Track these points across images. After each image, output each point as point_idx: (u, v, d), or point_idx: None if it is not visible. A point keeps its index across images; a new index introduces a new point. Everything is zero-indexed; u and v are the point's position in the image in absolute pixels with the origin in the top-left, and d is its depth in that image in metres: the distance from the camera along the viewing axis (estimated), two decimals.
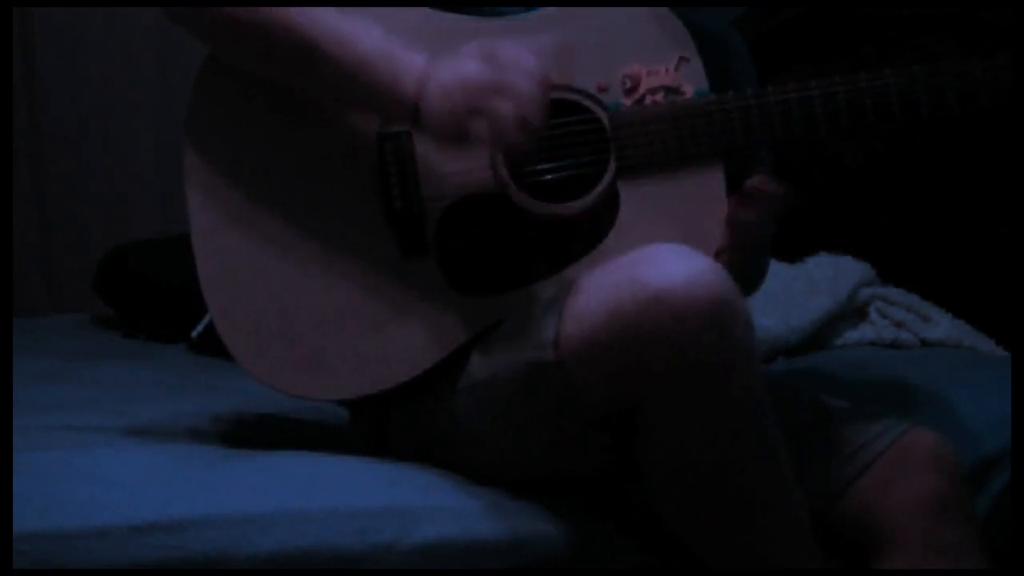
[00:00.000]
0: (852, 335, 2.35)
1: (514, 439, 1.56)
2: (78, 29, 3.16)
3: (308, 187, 1.63)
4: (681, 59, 1.62)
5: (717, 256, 1.58)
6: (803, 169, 2.36)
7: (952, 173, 2.54)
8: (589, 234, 1.60)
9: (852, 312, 2.39)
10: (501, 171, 1.61)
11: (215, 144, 1.64)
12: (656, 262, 1.44)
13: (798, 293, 2.37)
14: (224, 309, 1.62)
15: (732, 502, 1.48)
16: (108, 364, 2.32)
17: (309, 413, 1.90)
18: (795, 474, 1.51)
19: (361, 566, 1.47)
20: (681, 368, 1.42)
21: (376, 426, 1.69)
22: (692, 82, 1.61)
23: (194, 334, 2.47)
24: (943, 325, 2.36)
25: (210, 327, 1.64)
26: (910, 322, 2.36)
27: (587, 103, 1.61)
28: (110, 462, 1.53)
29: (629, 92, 1.61)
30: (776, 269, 2.00)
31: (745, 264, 1.64)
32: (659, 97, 1.61)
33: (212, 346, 2.09)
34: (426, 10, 1.63)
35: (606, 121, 1.61)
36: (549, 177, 1.62)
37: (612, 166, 1.61)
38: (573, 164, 1.62)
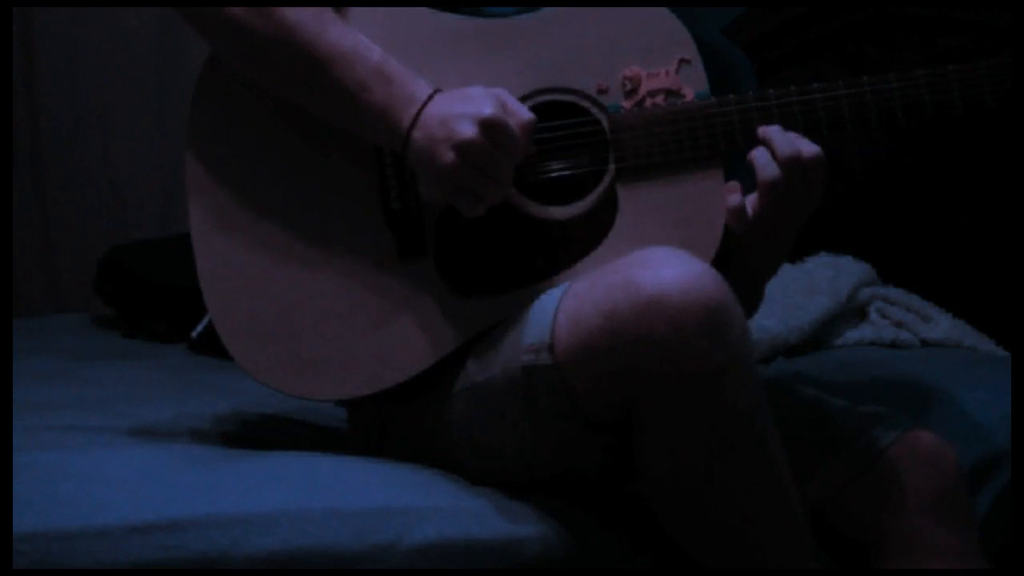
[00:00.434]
0: (852, 335, 2.35)
1: (512, 441, 1.56)
2: (78, 29, 3.16)
3: (306, 188, 1.63)
4: (682, 61, 1.61)
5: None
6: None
7: (952, 173, 2.54)
8: (587, 237, 1.60)
9: (852, 312, 2.39)
10: None
11: (215, 145, 1.64)
12: (652, 266, 1.44)
13: (798, 293, 2.37)
14: (223, 309, 1.62)
15: (728, 506, 1.48)
16: (108, 364, 2.32)
17: (309, 413, 1.90)
18: (794, 475, 1.51)
19: (361, 566, 1.47)
20: (675, 373, 1.41)
21: (375, 427, 1.69)
22: (693, 85, 1.61)
23: (194, 334, 2.47)
24: (943, 325, 2.36)
25: (210, 327, 1.65)
26: (910, 322, 2.36)
27: (587, 105, 1.61)
28: (110, 462, 1.53)
29: (629, 94, 1.61)
30: None
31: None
32: (659, 100, 1.61)
33: (212, 346, 2.09)
34: (426, 10, 1.63)
35: (606, 123, 1.60)
36: (548, 179, 1.62)
37: (611, 169, 1.60)
38: (572, 166, 1.62)
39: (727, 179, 1.59)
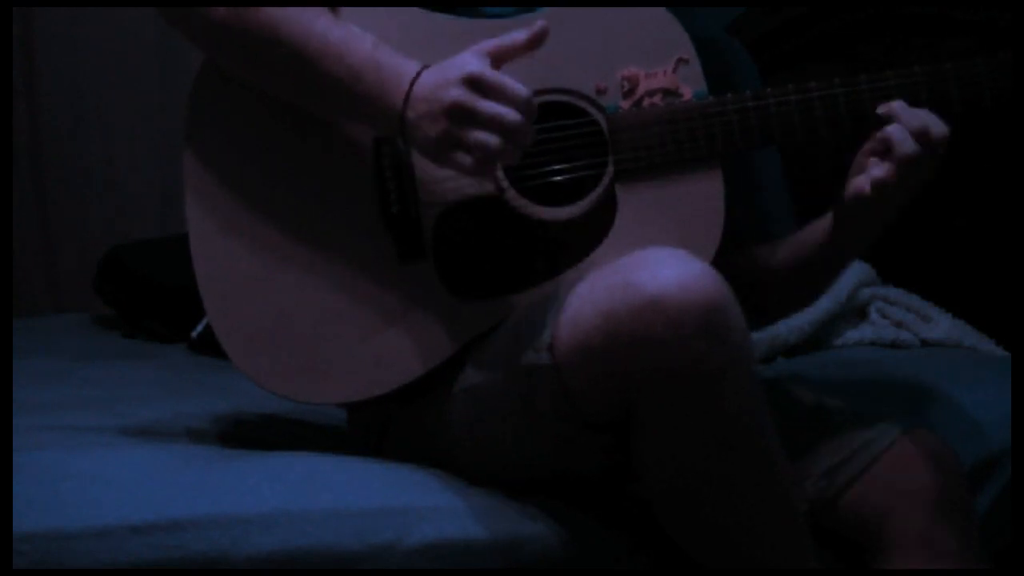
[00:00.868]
0: (852, 335, 2.35)
1: (512, 441, 1.56)
2: (78, 29, 3.16)
3: (305, 191, 1.63)
4: (680, 61, 1.61)
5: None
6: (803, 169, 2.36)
7: (952, 173, 2.53)
8: (586, 238, 1.60)
9: (852, 312, 2.39)
10: (498, 175, 1.61)
11: (214, 147, 1.64)
12: (650, 266, 1.43)
13: None
14: (221, 312, 1.62)
15: (728, 506, 1.48)
16: (108, 364, 2.32)
17: (309, 413, 1.90)
18: (793, 475, 1.51)
19: (361, 566, 1.47)
20: (674, 374, 1.41)
21: (375, 427, 1.69)
22: (691, 84, 1.61)
23: (194, 334, 2.47)
24: (943, 325, 2.36)
25: (210, 327, 1.64)
26: (910, 322, 2.36)
27: (585, 106, 1.61)
28: (110, 462, 1.54)
29: (627, 95, 1.61)
30: None
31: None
32: (657, 99, 1.60)
33: (212, 346, 2.08)
34: (417, 10, 1.62)
35: (604, 124, 1.60)
36: (546, 180, 1.62)
37: (610, 169, 1.60)
38: (570, 167, 1.62)
39: (727, 177, 1.59)
